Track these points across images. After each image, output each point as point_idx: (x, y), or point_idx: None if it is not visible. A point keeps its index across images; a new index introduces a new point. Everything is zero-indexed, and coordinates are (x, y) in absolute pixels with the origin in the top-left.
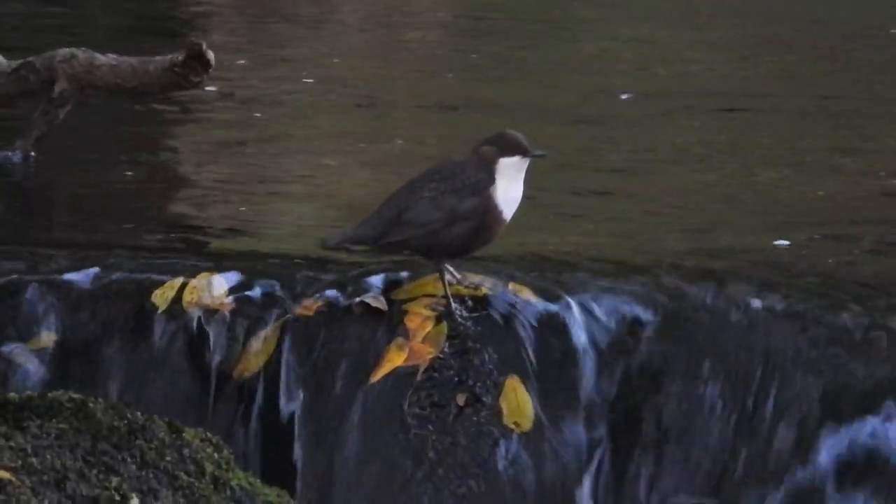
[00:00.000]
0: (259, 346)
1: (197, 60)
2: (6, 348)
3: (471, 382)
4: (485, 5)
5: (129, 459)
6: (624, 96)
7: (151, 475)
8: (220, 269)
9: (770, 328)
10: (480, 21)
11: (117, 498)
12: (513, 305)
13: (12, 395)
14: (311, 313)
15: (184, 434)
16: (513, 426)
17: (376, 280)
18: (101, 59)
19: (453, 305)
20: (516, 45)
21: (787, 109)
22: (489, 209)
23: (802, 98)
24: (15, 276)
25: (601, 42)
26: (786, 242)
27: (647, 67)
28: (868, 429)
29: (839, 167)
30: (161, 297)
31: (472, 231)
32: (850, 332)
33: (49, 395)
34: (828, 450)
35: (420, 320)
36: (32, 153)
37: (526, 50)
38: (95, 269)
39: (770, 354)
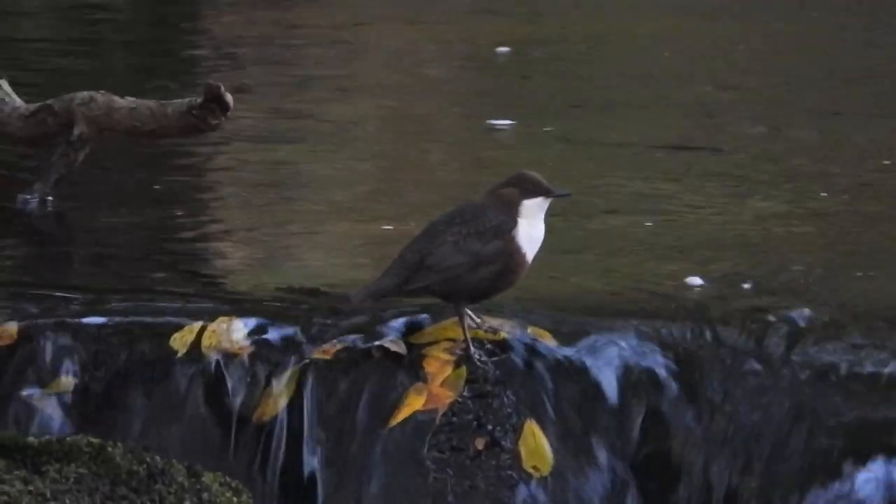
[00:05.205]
0: (278, 390)
1: (216, 103)
2: (25, 392)
3: (490, 426)
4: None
5: None
6: (640, 140)
7: None
8: (240, 313)
9: (793, 373)
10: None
11: None
12: (532, 349)
13: (31, 439)
14: (330, 357)
15: (203, 478)
16: (531, 470)
17: (395, 324)
18: (120, 101)
19: (472, 349)
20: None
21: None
22: (513, 252)
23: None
24: (34, 320)
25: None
26: (815, 286)
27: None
28: None
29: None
30: (180, 342)
31: (497, 274)
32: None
33: (68, 439)
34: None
35: (439, 364)
36: (50, 196)
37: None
38: (114, 313)
39: (792, 398)
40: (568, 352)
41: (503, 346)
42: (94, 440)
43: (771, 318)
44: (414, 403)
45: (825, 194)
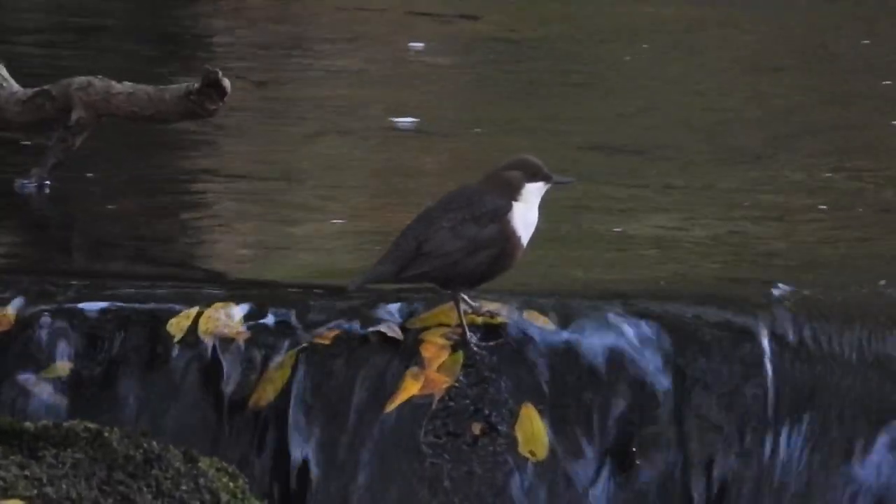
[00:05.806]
0: (274, 375)
1: (213, 88)
2: (22, 377)
3: (486, 411)
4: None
5: (144, 489)
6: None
7: None
8: (236, 298)
9: (791, 355)
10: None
11: None
12: (528, 334)
13: (28, 424)
14: (326, 342)
15: (199, 463)
16: (528, 455)
17: (392, 309)
18: (118, 86)
19: (468, 334)
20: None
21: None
22: (509, 235)
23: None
24: (31, 305)
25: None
26: (809, 278)
27: (670, 96)
28: None
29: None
30: (176, 327)
31: (493, 259)
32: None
33: (64, 424)
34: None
35: (435, 349)
36: (48, 181)
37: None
38: (111, 299)
39: (789, 379)
40: (565, 336)
41: (499, 330)
42: (92, 425)
43: (764, 301)
44: (410, 388)
45: (824, 207)
